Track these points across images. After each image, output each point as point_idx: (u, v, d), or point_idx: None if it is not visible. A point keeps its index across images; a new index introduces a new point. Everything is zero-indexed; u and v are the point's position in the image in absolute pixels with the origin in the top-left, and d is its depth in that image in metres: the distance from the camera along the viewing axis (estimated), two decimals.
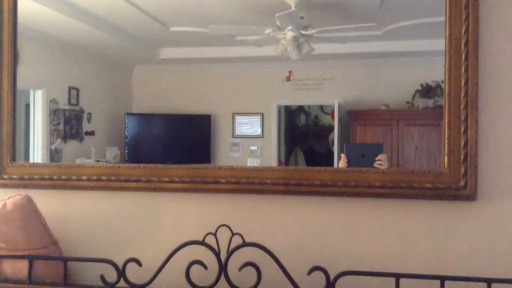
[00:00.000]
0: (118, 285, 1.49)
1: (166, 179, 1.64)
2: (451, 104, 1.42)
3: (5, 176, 1.78)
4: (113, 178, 1.68)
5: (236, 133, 2.92)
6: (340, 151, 2.45)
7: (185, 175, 1.64)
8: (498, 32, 1.45)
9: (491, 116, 1.45)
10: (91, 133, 2.85)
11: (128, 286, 1.50)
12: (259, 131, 2.92)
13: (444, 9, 1.43)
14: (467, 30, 1.40)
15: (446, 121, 1.43)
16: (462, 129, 1.41)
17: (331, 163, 2.64)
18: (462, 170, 1.42)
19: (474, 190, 1.42)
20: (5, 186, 1.79)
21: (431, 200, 1.48)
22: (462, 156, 1.41)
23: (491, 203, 1.46)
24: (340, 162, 1.84)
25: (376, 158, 1.76)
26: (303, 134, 3.16)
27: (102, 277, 1.50)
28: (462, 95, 1.41)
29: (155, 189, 1.67)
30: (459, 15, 1.41)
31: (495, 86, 1.45)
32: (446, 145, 1.44)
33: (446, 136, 1.43)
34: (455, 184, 1.42)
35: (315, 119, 3.16)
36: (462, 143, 1.41)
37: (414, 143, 2.61)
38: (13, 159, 1.79)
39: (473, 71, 1.40)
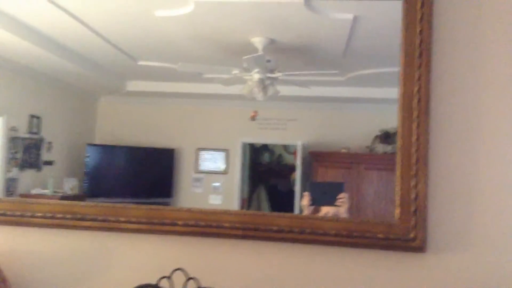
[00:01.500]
0: None
1: (123, 219, 1.63)
2: (403, 158, 1.49)
3: None
4: (69, 216, 1.65)
5: (199, 168, 2.93)
6: (302, 190, 2.50)
7: (142, 215, 1.63)
8: (449, 93, 1.53)
9: (441, 170, 1.52)
10: (50, 163, 2.80)
11: None
12: (223, 167, 2.94)
13: (399, 68, 1.52)
14: (419, 89, 1.48)
15: (398, 174, 1.49)
16: (413, 183, 1.47)
17: (292, 202, 2.68)
18: (413, 222, 1.47)
19: (424, 242, 1.47)
20: None
21: (383, 250, 1.52)
22: (412, 209, 1.47)
23: (440, 255, 1.50)
24: (303, 200, 1.88)
25: (338, 197, 1.81)
26: (266, 172, 3.20)
27: None
28: (414, 150, 1.47)
29: (111, 229, 1.64)
30: (412, 74, 1.49)
31: (445, 142, 1.52)
32: (398, 198, 1.49)
33: (398, 188, 1.49)
34: (406, 236, 1.47)
35: (279, 158, 3.21)
36: (413, 196, 1.47)
37: (373, 186, 2.68)
38: None
39: (424, 128, 1.47)
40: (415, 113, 1.48)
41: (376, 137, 2.80)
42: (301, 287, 1.60)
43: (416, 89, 1.48)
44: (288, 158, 3.19)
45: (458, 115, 1.53)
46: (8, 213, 1.69)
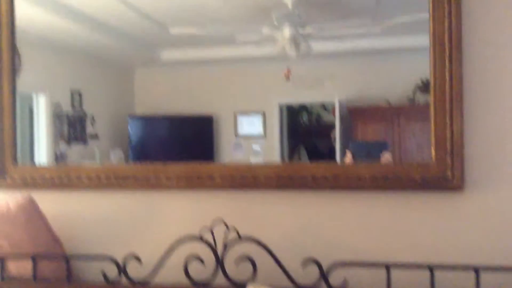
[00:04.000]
0: (119, 281, 1.55)
1: (163, 176, 1.69)
2: (436, 98, 1.45)
3: (8, 178, 1.84)
4: (112, 177, 1.73)
5: (238, 133, 2.95)
6: (342, 148, 2.48)
7: (181, 171, 1.68)
8: (481, 25, 1.48)
9: (476, 108, 1.48)
10: (95, 136, 2.89)
11: (129, 282, 1.55)
12: (261, 131, 2.94)
13: (428, 5, 1.47)
14: (450, 25, 1.43)
15: (432, 114, 1.46)
16: (448, 122, 1.44)
17: (334, 161, 2.66)
18: (449, 161, 1.44)
19: (461, 181, 1.45)
20: (8, 187, 1.84)
21: (420, 192, 1.51)
22: (448, 148, 1.44)
23: (478, 193, 1.48)
24: (345, 158, 1.88)
25: (382, 156, 1.80)
26: (305, 133, 3.17)
27: (103, 274, 1.56)
28: (447, 88, 1.44)
29: (152, 187, 1.71)
30: (441, 11, 1.44)
31: (479, 79, 1.48)
32: (433, 138, 1.47)
33: (433, 128, 1.46)
34: (442, 175, 1.45)
35: (317, 117, 3.17)
36: (448, 135, 1.44)
37: (415, 139, 2.62)
38: (15, 160, 1.84)
39: (457, 65, 1.43)
40: (447, 50, 1.43)
41: (417, 87, 2.71)
42: (339, 233, 1.62)
43: (446, 25, 1.43)
44: (326, 117, 3.14)
45: (491, 48, 1.47)
46: (56, 178, 1.78)
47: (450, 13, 1.42)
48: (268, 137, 2.91)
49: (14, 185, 1.83)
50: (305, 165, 1.60)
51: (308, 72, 2.82)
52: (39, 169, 1.83)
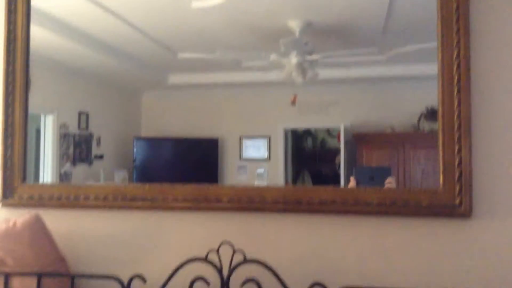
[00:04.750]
0: None
1: (170, 198, 1.69)
2: (444, 125, 1.47)
3: (15, 196, 1.85)
4: (119, 197, 1.73)
5: (243, 156, 2.96)
6: (347, 174, 2.48)
7: (188, 193, 1.69)
8: (489, 55, 1.50)
9: (485, 135, 1.49)
10: (100, 157, 2.90)
11: None
12: (266, 154, 2.95)
13: (436, 34, 1.49)
14: (458, 54, 1.46)
15: (441, 141, 1.47)
16: (456, 149, 1.45)
17: (338, 186, 2.66)
18: (457, 188, 1.45)
19: (469, 208, 1.45)
20: (16, 205, 1.85)
21: (427, 218, 1.51)
22: (456, 175, 1.45)
23: (486, 221, 1.48)
24: (349, 184, 1.88)
25: (385, 181, 1.80)
26: (310, 157, 3.18)
27: None
28: (456, 116, 1.45)
29: (160, 208, 1.72)
30: (450, 40, 1.47)
31: (487, 106, 1.49)
32: (441, 164, 1.47)
33: (441, 155, 1.47)
34: (451, 202, 1.46)
35: (322, 143, 3.18)
36: (456, 162, 1.45)
37: (420, 166, 2.62)
38: (24, 179, 1.86)
39: (466, 93, 1.45)
40: (455, 78, 1.46)
41: (422, 114, 2.72)
42: (346, 258, 1.62)
43: (455, 54, 1.46)
44: (331, 142, 3.15)
45: (500, 76, 1.49)
46: (63, 197, 1.79)
47: (458, 42, 1.45)
48: (272, 161, 2.92)
49: (21, 204, 1.83)
50: (313, 189, 1.60)
51: (314, 98, 2.84)
52: (47, 188, 1.84)
